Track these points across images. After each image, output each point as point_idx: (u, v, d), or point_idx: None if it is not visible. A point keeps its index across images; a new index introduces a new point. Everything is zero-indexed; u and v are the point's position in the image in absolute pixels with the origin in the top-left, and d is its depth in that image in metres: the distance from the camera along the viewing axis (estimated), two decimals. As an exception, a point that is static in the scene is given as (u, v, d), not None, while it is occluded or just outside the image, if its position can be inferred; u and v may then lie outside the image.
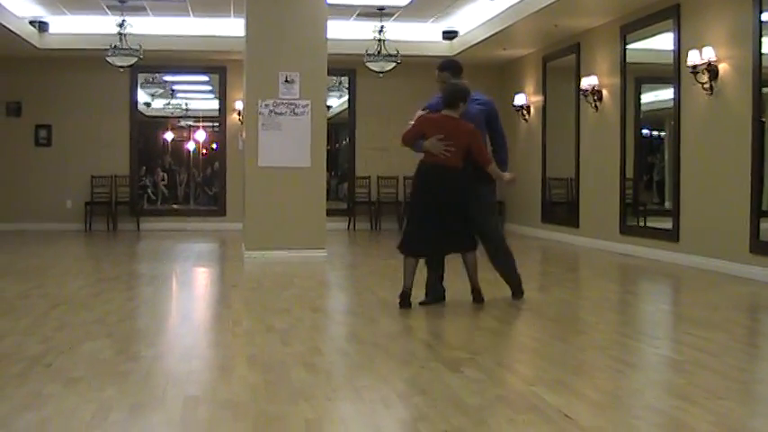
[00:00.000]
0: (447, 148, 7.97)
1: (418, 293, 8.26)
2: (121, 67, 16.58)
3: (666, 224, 12.49)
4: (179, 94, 22.49)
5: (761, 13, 10.29)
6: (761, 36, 10.32)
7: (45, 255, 13.89)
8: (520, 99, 18.10)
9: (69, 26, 17.10)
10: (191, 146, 22.42)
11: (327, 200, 13.91)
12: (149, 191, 20.88)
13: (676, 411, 4.71)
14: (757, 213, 10.44)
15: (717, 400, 4.90)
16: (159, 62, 18.67)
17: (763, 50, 10.30)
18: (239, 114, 18.45)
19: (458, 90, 8.29)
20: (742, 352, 6.68)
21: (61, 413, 4.60)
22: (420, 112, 8.36)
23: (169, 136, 22.25)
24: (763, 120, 10.57)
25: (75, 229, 18.61)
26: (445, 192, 7.97)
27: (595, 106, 14.79)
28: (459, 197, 8.03)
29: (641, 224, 13.68)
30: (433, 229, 7.99)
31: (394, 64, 16.60)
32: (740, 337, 7.34)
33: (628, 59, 13.84)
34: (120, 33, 16.09)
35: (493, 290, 8.53)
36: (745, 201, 10.56)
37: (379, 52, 16.51)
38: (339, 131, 21.66)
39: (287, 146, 12.90)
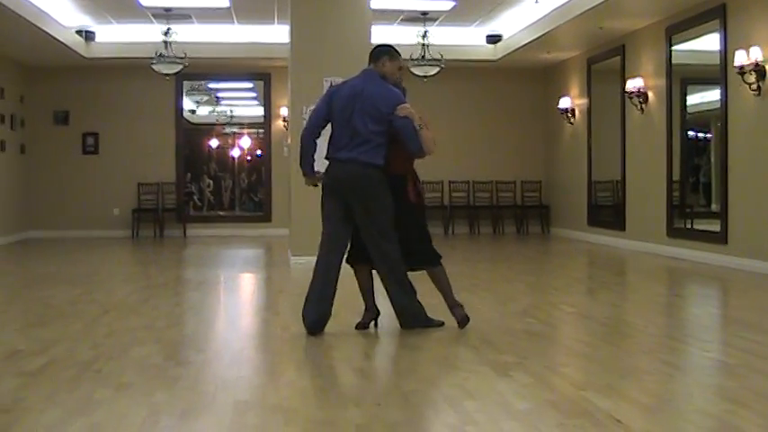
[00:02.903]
0: None
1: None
2: (167, 74, 16.69)
3: (714, 227, 12.38)
4: (224, 102, 22.62)
5: (809, 12, 10.20)
6: (809, 35, 10.23)
7: (93, 262, 14.02)
8: (564, 102, 18.03)
9: (115, 35, 17.24)
10: (235, 152, 22.52)
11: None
12: (195, 197, 21.00)
13: (727, 415, 4.67)
14: (807, 215, 10.34)
15: (769, 404, 4.86)
16: (204, 70, 18.79)
17: (812, 50, 10.21)
18: (284, 121, 18.50)
19: None
20: (793, 355, 6.62)
21: (112, 418, 4.64)
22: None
23: (214, 143, 22.37)
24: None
25: (123, 236, 18.76)
26: None
27: (641, 108, 14.69)
28: None
29: (688, 227, 13.57)
30: None
31: (438, 68, 16.58)
32: (791, 339, 7.26)
33: (673, 61, 13.74)
34: (165, 41, 16.19)
35: (534, 294, 8.48)
36: (795, 202, 10.46)
37: (423, 57, 16.50)
38: (383, 137, 21.65)
39: (332, 151, 12.89)
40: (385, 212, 7.09)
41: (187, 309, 9.08)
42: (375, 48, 7.68)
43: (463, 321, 7.29)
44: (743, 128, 11.74)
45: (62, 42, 15.93)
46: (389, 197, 7.13)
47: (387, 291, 7.30)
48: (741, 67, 11.36)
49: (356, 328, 7.32)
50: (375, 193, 7.08)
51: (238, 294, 10.96)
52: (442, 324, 7.29)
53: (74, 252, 15.59)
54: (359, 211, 7.10)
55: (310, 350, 6.55)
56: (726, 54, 11.95)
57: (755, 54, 11.13)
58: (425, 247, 7.35)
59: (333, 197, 7.22)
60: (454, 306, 7.38)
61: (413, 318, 7.26)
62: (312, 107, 12.55)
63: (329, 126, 7.37)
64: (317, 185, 7.53)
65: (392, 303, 7.31)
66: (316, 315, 7.15)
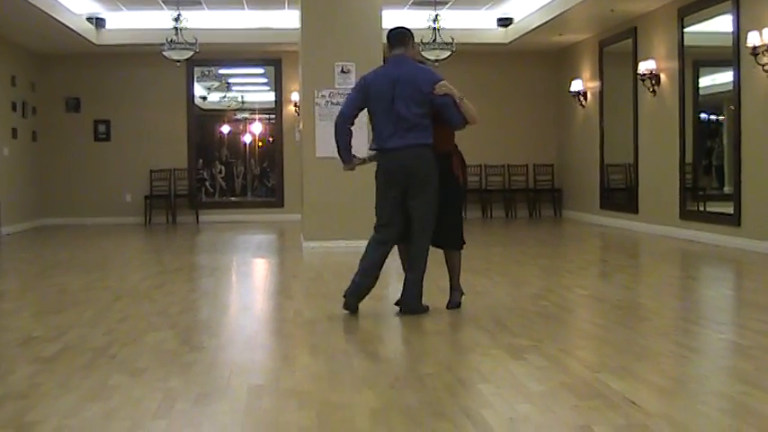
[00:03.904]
0: None
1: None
2: (178, 61, 16.66)
3: (727, 209, 12.34)
4: (235, 87, 22.60)
5: (822, -8, 10.14)
6: (823, 16, 10.17)
7: (106, 248, 14.05)
8: (576, 85, 17.98)
9: (126, 22, 17.24)
10: (247, 138, 22.52)
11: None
12: (207, 184, 21.02)
13: (743, 397, 4.66)
14: (821, 196, 10.31)
15: (785, 385, 4.85)
16: (215, 55, 18.77)
17: (826, 30, 10.15)
18: (296, 106, 18.49)
19: None
20: (809, 336, 6.60)
21: (127, 403, 4.65)
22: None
23: (226, 129, 22.37)
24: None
25: (135, 222, 18.80)
26: None
27: (653, 91, 14.64)
28: None
29: (701, 209, 13.53)
30: None
31: (449, 52, 16.52)
32: (806, 321, 7.24)
33: (686, 43, 13.68)
34: (175, 27, 16.15)
35: (547, 277, 8.46)
36: (809, 183, 10.42)
37: (434, 41, 16.45)
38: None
39: (344, 136, 12.89)
40: (436, 193, 7.21)
41: (201, 294, 9.09)
42: (395, 31, 7.56)
43: (455, 305, 7.40)
44: (756, 110, 11.68)
45: (73, 30, 15.93)
46: (438, 177, 7.24)
47: (407, 264, 7.45)
48: (754, 48, 11.30)
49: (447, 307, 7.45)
50: (432, 175, 7.22)
51: (251, 279, 10.97)
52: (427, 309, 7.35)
53: (87, 239, 15.63)
54: (416, 193, 7.20)
55: (324, 334, 6.55)
56: (738, 35, 11.89)
57: (768, 35, 11.09)
58: (457, 233, 7.44)
59: (391, 186, 7.29)
60: (457, 288, 7.49)
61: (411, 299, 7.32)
62: (326, 92, 12.64)
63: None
64: (353, 170, 7.69)
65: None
66: (357, 290, 7.35)
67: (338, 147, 7.48)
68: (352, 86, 12.59)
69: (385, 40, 7.74)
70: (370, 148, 7.56)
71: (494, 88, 19.26)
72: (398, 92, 7.19)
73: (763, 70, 11.23)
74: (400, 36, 7.51)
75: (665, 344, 6.20)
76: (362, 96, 7.37)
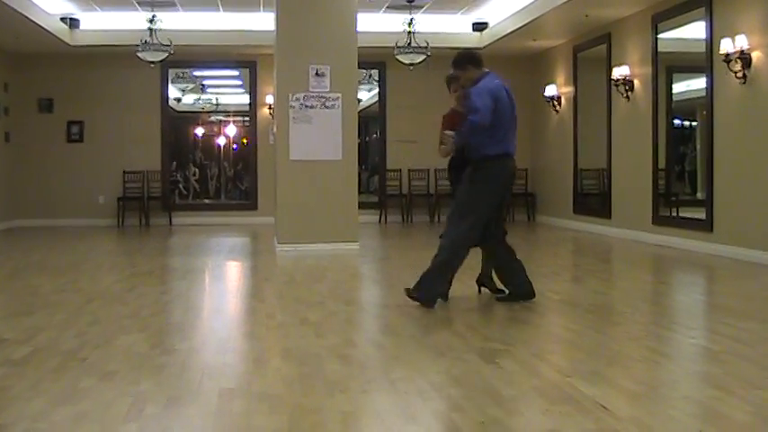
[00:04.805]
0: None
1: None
2: (152, 62, 16.63)
3: (699, 214, 12.41)
4: (209, 89, 22.59)
5: (794, -1, 10.21)
6: (794, 23, 10.24)
7: (78, 250, 13.97)
8: (551, 90, 18.04)
9: (100, 22, 17.18)
10: (221, 140, 22.49)
11: (358, 193, 13.92)
12: (181, 186, 20.98)
13: (713, 401, 4.68)
14: (792, 202, 10.37)
15: (754, 390, 4.87)
16: (189, 57, 18.73)
17: (797, 38, 10.22)
18: (270, 108, 18.47)
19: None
20: (778, 342, 6.64)
21: (97, 407, 4.62)
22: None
23: (200, 131, 22.33)
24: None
25: (108, 224, 18.72)
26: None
27: (627, 96, 14.71)
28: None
29: (674, 215, 13.61)
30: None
31: (424, 56, 16.56)
32: (776, 326, 7.29)
33: (659, 49, 13.76)
34: (150, 29, 16.13)
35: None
36: (780, 190, 10.49)
37: (408, 45, 16.48)
38: (369, 124, 21.68)
39: (318, 139, 12.90)
40: None
41: (173, 297, 9.06)
42: (476, 53, 8.42)
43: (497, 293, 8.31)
44: (728, 116, 11.75)
45: (46, 30, 15.86)
46: None
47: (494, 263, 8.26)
48: (727, 55, 11.37)
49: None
50: None
51: (224, 282, 10.93)
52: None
53: (59, 241, 15.54)
54: (506, 196, 8.15)
55: (296, 338, 6.53)
56: (711, 42, 11.96)
57: (741, 42, 11.15)
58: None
59: (504, 189, 7.99)
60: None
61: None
62: (300, 95, 12.62)
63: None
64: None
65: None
66: (444, 289, 7.99)
67: (464, 139, 7.75)
68: (326, 89, 12.73)
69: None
70: (482, 155, 7.80)
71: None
72: (513, 103, 7.98)
73: (736, 77, 11.30)
74: (479, 58, 8.22)
75: (636, 348, 6.22)
76: (494, 105, 7.75)
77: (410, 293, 7.82)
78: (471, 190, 7.80)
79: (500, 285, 8.27)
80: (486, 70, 8.06)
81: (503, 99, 7.82)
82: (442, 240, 7.94)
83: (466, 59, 8.09)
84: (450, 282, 8.06)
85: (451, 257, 7.85)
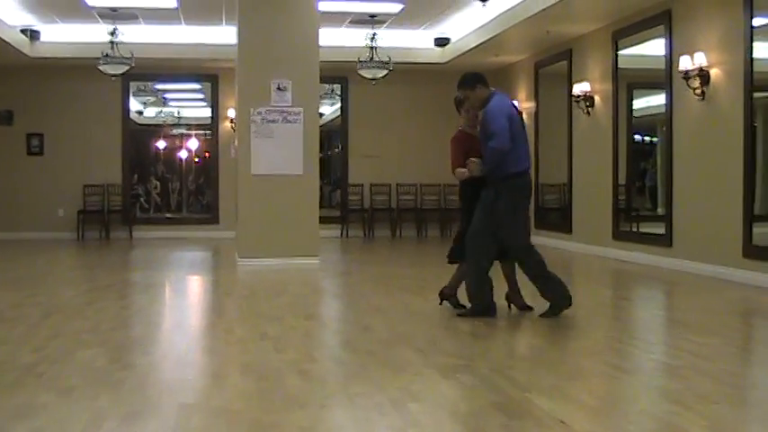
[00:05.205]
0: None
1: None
2: (113, 75, 16.56)
3: (659, 229, 12.50)
4: (171, 103, 22.50)
5: (752, 18, 10.31)
6: (752, 41, 10.34)
7: (37, 264, 13.87)
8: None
9: (61, 35, 17.06)
10: (183, 154, 22.41)
11: (320, 207, 13.91)
12: (142, 199, 20.87)
13: (671, 416, 4.71)
14: (750, 218, 10.45)
15: (711, 405, 4.90)
16: (151, 70, 18.64)
17: (754, 55, 10.32)
18: (232, 122, 18.43)
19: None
20: (736, 357, 6.70)
21: (54, 423, 4.58)
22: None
23: (161, 144, 22.24)
24: (755, 125, 10.60)
25: (68, 237, 18.57)
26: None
27: (587, 112, 14.81)
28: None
29: (634, 230, 13.69)
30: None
31: (386, 71, 16.60)
32: (734, 341, 7.34)
33: (620, 65, 13.86)
34: (111, 42, 16.07)
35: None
36: (738, 205, 10.57)
37: (371, 59, 16.51)
38: (332, 139, 21.68)
39: (279, 153, 12.88)
40: None
41: (133, 311, 9.00)
42: (481, 73, 8.35)
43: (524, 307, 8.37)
44: (687, 132, 11.85)
45: (6, 41, 15.73)
46: None
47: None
48: (686, 72, 11.47)
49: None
50: None
51: (185, 297, 10.89)
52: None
53: (18, 254, 15.41)
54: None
55: (256, 353, 6.51)
56: (671, 59, 12.07)
57: (700, 59, 11.25)
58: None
59: (528, 202, 8.27)
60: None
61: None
62: (261, 109, 12.61)
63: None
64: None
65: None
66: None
67: (494, 164, 7.85)
68: (288, 104, 12.71)
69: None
70: (506, 173, 7.89)
71: (430, 107, 19.32)
72: (521, 118, 8.29)
73: (694, 94, 11.39)
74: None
75: (595, 364, 6.25)
76: (509, 124, 7.89)
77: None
78: (507, 206, 7.91)
79: (462, 302, 8.31)
80: (493, 89, 8.15)
81: (515, 117, 8.03)
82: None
83: (475, 79, 8.13)
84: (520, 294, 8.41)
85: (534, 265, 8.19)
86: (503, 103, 8.01)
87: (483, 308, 7.97)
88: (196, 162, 22.37)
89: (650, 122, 13.94)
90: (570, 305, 8.00)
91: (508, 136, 7.73)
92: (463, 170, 8.01)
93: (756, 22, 10.32)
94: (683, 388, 5.38)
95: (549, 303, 8.06)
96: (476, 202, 8.07)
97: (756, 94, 10.44)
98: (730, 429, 4.53)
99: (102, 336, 7.22)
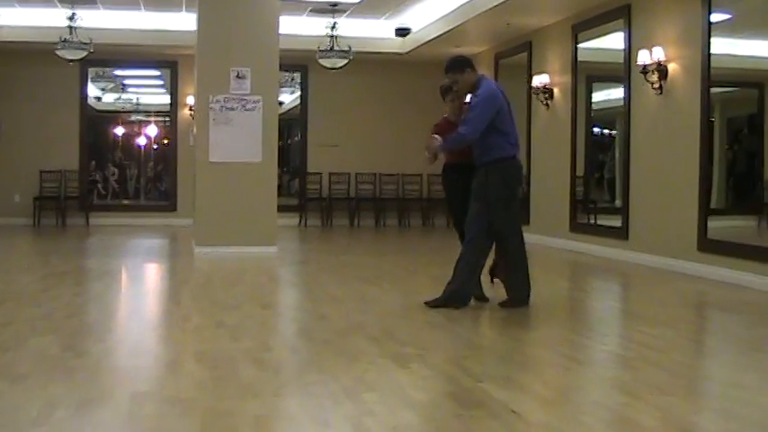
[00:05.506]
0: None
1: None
2: (71, 60, 16.43)
3: (616, 222, 12.58)
4: (130, 89, 22.35)
5: (710, 13, 10.38)
6: (710, 36, 10.41)
7: (-8, 250, 13.76)
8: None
9: (19, 19, 16.88)
10: (142, 141, 22.28)
11: (279, 196, 13.89)
12: (99, 186, 20.73)
13: (622, 407, 4.76)
14: (705, 211, 10.54)
15: (662, 396, 4.95)
16: (110, 56, 18.50)
17: (712, 51, 10.39)
18: (191, 109, 18.33)
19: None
20: (688, 348, 6.76)
21: (6, 410, 4.56)
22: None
23: (120, 131, 22.10)
24: (712, 119, 10.68)
25: (24, 223, 18.40)
26: None
27: (547, 104, 14.87)
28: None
29: (592, 222, 13.77)
30: None
31: (346, 60, 16.58)
32: (687, 333, 7.42)
33: (579, 58, 13.93)
34: (70, 26, 15.93)
35: (438, 286, 8.50)
36: (694, 199, 10.65)
37: (331, 48, 16.48)
38: (291, 127, 21.62)
39: (238, 141, 12.84)
40: None
41: (88, 299, 8.95)
42: (469, 57, 8.51)
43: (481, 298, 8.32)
44: (644, 126, 11.93)
45: (-37, 25, 15.58)
46: None
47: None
48: (644, 66, 11.53)
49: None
50: None
51: (141, 284, 10.84)
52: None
53: (-28, 240, 15.28)
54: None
55: (211, 341, 6.50)
56: (630, 53, 12.13)
57: (658, 54, 11.32)
58: None
59: (520, 186, 8.24)
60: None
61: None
62: (220, 97, 12.57)
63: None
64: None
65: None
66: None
67: (455, 145, 8.01)
68: (247, 92, 12.67)
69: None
70: (497, 156, 7.92)
71: (390, 97, 19.36)
72: (509, 104, 8.15)
73: (652, 88, 11.46)
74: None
75: (549, 354, 6.30)
76: (496, 111, 7.94)
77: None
78: (499, 192, 7.91)
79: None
80: (481, 74, 8.19)
81: (503, 104, 8.01)
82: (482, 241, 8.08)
83: (465, 63, 8.13)
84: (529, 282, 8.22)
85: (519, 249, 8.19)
86: (493, 91, 8.01)
87: (460, 298, 7.96)
88: (155, 149, 22.23)
89: (610, 115, 14.01)
90: (526, 306, 8.01)
91: (481, 129, 7.76)
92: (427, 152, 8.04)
93: (714, 17, 10.40)
94: (635, 379, 5.43)
95: (508, 294, 8.08)
96: (458, 189, 8.08)
97: (714, 90, 10.52)
98: (682, 420, 4.57)
99: (56, 323, 7.17)
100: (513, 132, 8.06)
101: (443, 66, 8.19)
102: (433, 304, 7.93)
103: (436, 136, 7.90)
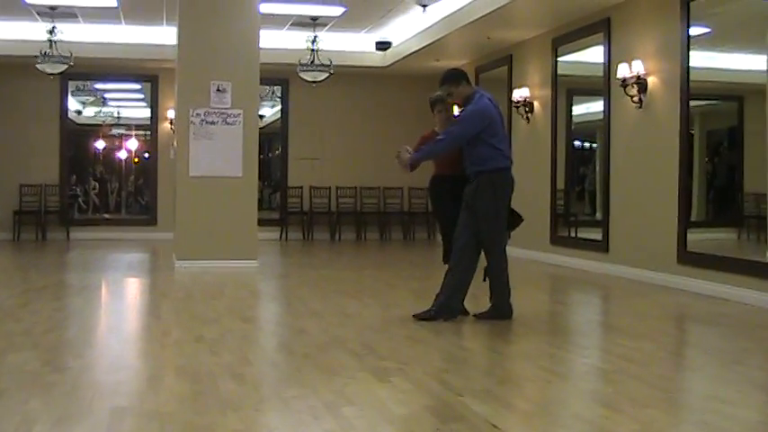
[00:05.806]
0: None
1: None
2: (51, 74, 16.39)
3: (597, 235, 12.60)
4: (110, 102, 22.28)
5: (688, 27, 10.44)
6: (689, 50, 10.46)
7: (-29, 264, 13.69)
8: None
9: (-2, 32, 16.85)
10: (122, 154, 22.22)
11: (259, 210, 13.88)
12: (80, 200, 20.64)
13: (603, 420, 4.76)
14: (685, 224, 10.58)
15: (642, 409, 4.95)
16: (90, 70, 18.45)
17: (691, 64, 10.44)
18: (171, 123, 18.30)
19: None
20: (668, 361, 6.78)
21: (-17, 426, 4.53)
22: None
23: (100, 144, 22.03)
24: (691, 132, 10.73)
25: (3, 238, 18.31)
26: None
27: (527, 118, 14.91)
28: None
29: (572, 235, 13.80)
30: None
31: (327, 74, 16.59)
32: (667, 346, 7.44)
33: (559, 72, 13.98)
34: (50, 40, 15.89)
35: (418, 300, 8.50)
36: (674, 212, 10.69)
37: (312, 62, 16.49)
38: (272, 141, 21.60)
39: (218, 155, 12.83)
40: None
41: (68, 313, 8.92)
42: (463, 70, 8.58)
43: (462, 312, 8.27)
44: (624, 139, 11.97)
45: (-59, 39, 15.51)
46: None
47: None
48: (624, 80, 11.58)
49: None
50: None
51: (121, 299, 10.80)
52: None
53: (-48, 254, 15.21)
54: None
55: (191, 355, 6.48)
56: (609, 66, 12.19)
57: (637, 67, 11.37)
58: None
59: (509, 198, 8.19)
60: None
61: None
62: (201, 111, 12.55)
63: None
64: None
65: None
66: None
67: (433, 155, 8.14)
68: (228, 106, 12.66)
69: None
70: (491, 167, 7.95)
71: (371, 111, 19.40)
72: (501, 115, 8.17)
73: (632, 101, 11.51)
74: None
75: (530, 368, 6.30)
76: (486, 123, 7.89)
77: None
78: (489, 204, 7.99)
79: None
80: (476, 87, 8.28)
81: (495, 116, 8.00)
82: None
83: (460, 76, 8.19)
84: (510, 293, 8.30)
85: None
86: (484, 106, 7.98)
87: (449, 310, 8.02)
88: (135, 162, 22.16)
89: (590, 128, 14.05)
90: (509, 318, 8.02)
91: (458, 144, 7.86)
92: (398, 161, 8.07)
93: (693, 31, 10.46)
94: (615, 392, 5.44)
95: (490, 306, 8.09)
96: (447, 201, 8.10)
97: (693, 103, 10.57)
98: (660, 433, 4.59)
99: (35, 338, 7.12)
100: (506, 144, 8.14)
101: (425, 79, 8.30)
102: (422, 317, 7.95)
103: (407, 147, 7.91)
